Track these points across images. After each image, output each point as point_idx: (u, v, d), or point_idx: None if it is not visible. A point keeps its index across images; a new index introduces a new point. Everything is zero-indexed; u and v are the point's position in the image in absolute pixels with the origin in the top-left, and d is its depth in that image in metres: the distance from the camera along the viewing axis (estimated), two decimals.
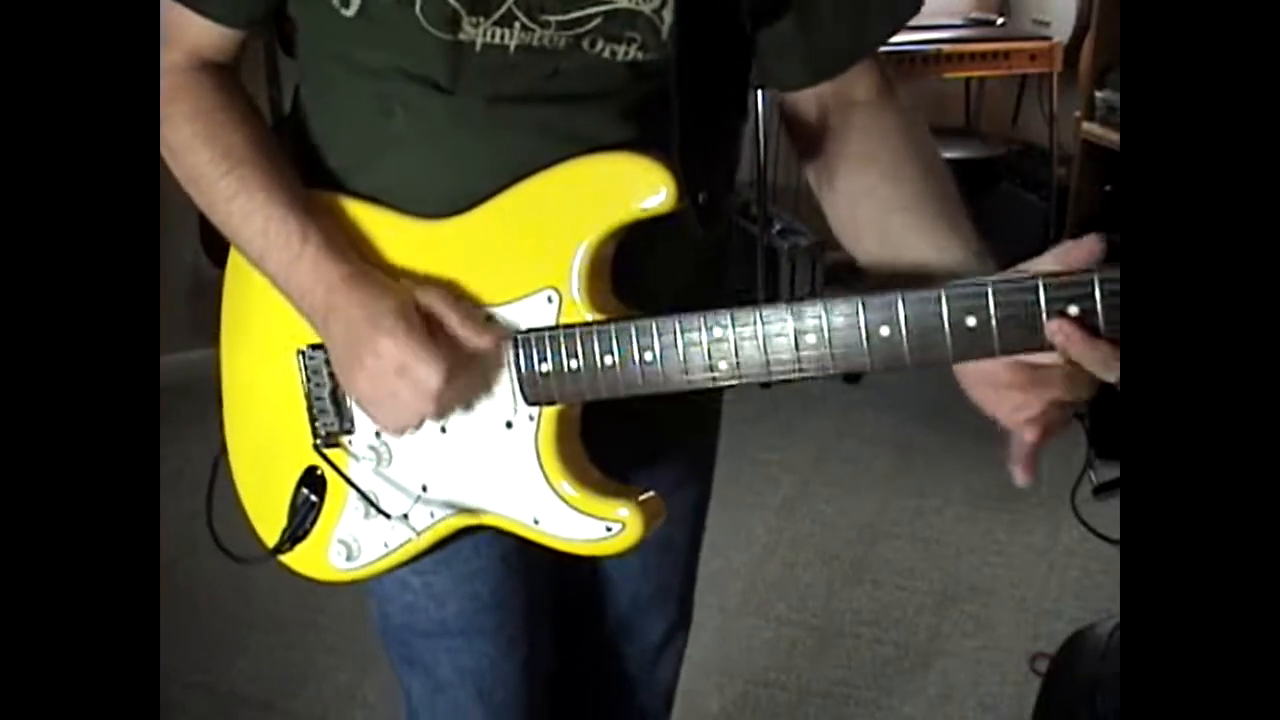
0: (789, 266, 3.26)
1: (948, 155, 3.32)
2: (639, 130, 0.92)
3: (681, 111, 0.91)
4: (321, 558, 1.05)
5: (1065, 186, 3.36)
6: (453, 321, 0.92)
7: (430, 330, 0.91)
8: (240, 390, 1.12)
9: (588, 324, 0.89)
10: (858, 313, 0.80)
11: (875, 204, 0.95)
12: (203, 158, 0.97)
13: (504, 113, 0.92)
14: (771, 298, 3.26)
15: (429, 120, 0.93)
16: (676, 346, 0.86)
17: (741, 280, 3.19)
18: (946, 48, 3.30)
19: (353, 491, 1.01)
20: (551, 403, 0.92)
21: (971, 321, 0.77)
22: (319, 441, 1.02)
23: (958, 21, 3.56)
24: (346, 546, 1.03)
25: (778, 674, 2.25)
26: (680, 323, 0.86)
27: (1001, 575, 2.54)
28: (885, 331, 0.79)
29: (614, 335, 0.88)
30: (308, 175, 1.02)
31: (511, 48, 0.89)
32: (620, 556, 0.95)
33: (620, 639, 1.33)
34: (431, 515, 0.99)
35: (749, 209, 3.22)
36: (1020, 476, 0.84)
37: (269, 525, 1.07)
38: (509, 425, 0.94)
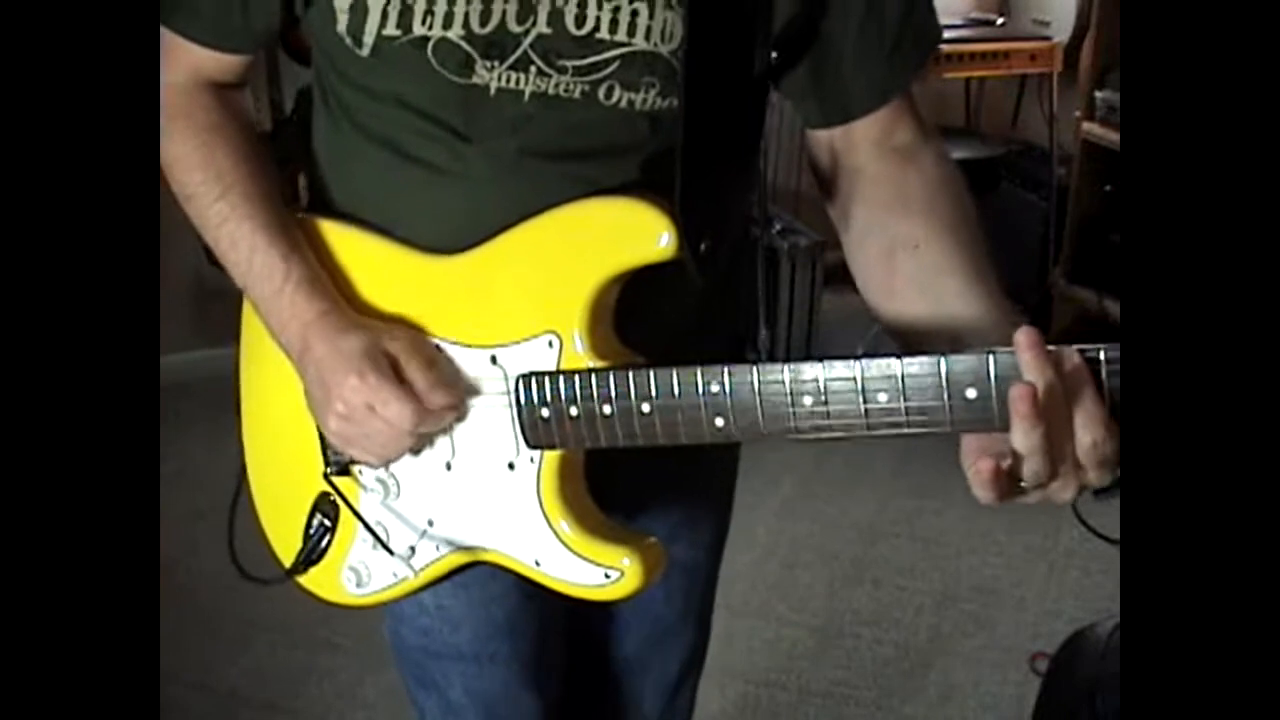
0: (789, 266, 3.26)
1: None
2: (658, 184, 0.90)
3: (685, 158, 0.89)
4: (335, 583, 1.05)
5: (1065, 186, 3.36)
6: (411, 369, 0.91)
7: (398, 372, 0.91)
8: (258, 411, 1.12)
9: (587, 371, 0.88)
10: (856, 377, 0.78)
11: (920, 262, 0.91)
12: (196, 178, 0.98)
13: (522, 166, 0.91)
14: (772, 298, 3.26)
15: (444, 157, 0.93)
16: (673, 399, 0.85)
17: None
18: (946, 48, 3.29)
19: (364, 521, 1.01)
20: (553, 447, 0.92)
21: (971, 394, 0.76)
22: (329, 470, 1.02)
23: (958, 21, 3.56)
24: (357, 573, 1.03)
25: (778, 674, 2.25)
26: (677, 376, 0.85)
27: (1001, 575, 2.54)
28: (883, 397, 0.78)
29: (612, 384, 0.87)
30: (317, 196, 1.02)
31: (526, 94, 0.89)
32: (621, 603, 0.95)
33: (638, 672, 1.31)
34: (436, 550, 0.99)
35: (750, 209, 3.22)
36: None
37: (285, 546, 1.07)
38: (511, 466, 0.94)
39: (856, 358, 0.78)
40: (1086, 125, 3.20)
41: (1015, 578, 2.53)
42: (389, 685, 2.13)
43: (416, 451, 0.97)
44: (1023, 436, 0.72)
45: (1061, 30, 3.44)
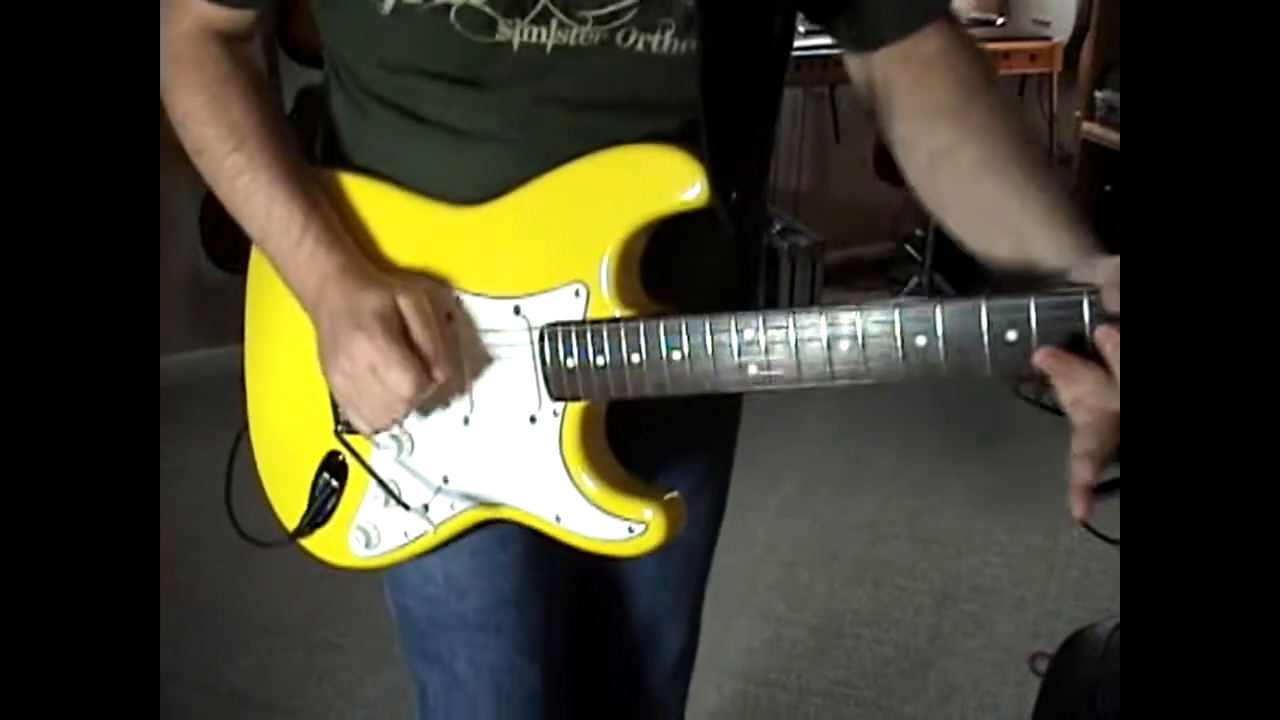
0: (789, 266, 3.26)
1: None
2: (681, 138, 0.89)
3: (708, 106, 0.88)
4: (341, 544, 1.04)
5: (1065, 186, 3.37)
6: (420, 334, 0.91)
7: (409, 336, 0.91)
8: (264, 372, 1.11)
9: (615, 320, 0.88)
10: (894, 320, 0.77)
11: (958, 162, 0.90)
12: (209, 131, 0.96)
13: (542, 117, 0.90)
14: (771, 298, 3.26)
15: (462, 118, 0.92)
16: (706, 347, 0.84)
17: None
18: None
19: (373, 479, 1.00)
20: (576, 399, 0.91)
21: (1012, 335, 0.74)
22: (340, 427, 1.00)
23: None
24: (366, 534, 1.02)
25: (778, 674, 2.25)
26: (710, 323, 0.84)
27: (1001, 575, 2.54)
28: (921, 341, 0.77)
29: (642, 332, 0.86)
30: (332, 158, 1.01)
31: (549, 47, 0.88)
32: (640, 558, 0.94)
33: (640, 655, 1.31)
34: (452, 507, 0.98)
35: None
36: (1076, 508, 0.81)
37: (289, 509, 1.06)
38: (533, 420, 0.93)
39: (895, 304, 0.78)
40: (1086, 125, 3.20)
41: (1015, 578, 2.53)
42: (389, 685, 2.13)
43: (427, 411, 0.96)
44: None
45: (1061, 30, 3.44)
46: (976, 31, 3.48)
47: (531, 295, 0.91)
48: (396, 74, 0.92)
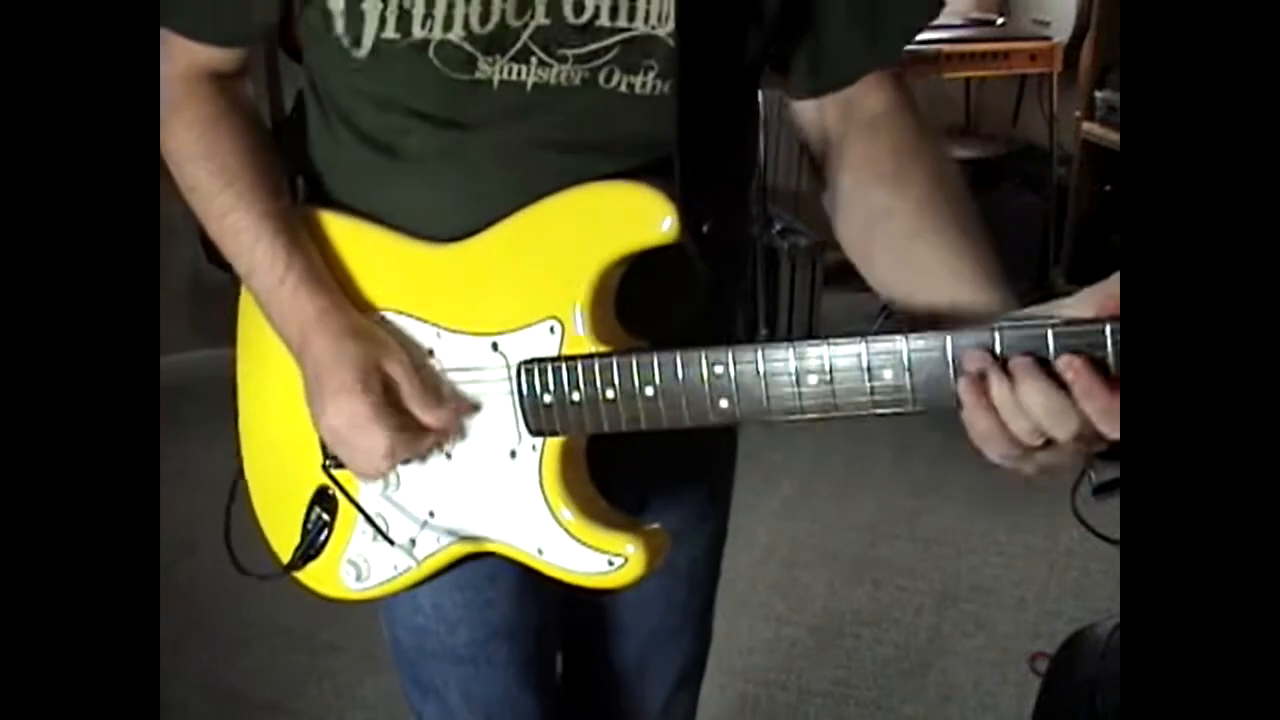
0: (789, 266, 3.26)
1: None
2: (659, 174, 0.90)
3: (683, 140, 0.88)
4: (333, 577, 1.05)
5: (1065, 186, 3.37)
6: (407, 393, 0.93)
7: (395, 395, 0.93)
8: (256, 405, 1.12)
9: (590, 356, 0.88)
10: (860, 354, 0.78)
11: (893, 226, 0.91)
12: (200, 169, 0.98)
13: (524, 157, 0.91)
14: (771, 298, 3.26)
15: (443, 159, 0.93)
16: (678, 382, 0.85)
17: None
18: (946, 48, 3.30)
19: (364, 513, 1.01)
20: (555, 434, 0.91)
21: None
22: (329, 463, 1.01)
23: (958, 21, 3.56)
24: (356, 567, 1.03)
25: (778, 674, 2.25)
26: (681, 357, 0.84)
27: (1001, 575, 2.54)
28: (888, 375, 0.77)
29: (616, 368, 0.87)
30: (313, 191, 1.02)
31: (529, 85, 0.88)
32: (624, 590, 0.94)
33: (635, 677, 1.30)
34: (437, 541, 0.99)
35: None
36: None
37: (283, 541, 1.07)
38: (513, 455, 0.94)
39: (862, 335, 0.79)
40: (1086, 125, 3.20)
41: (1015, 578, 2.53)
42: (389, 686, 2.12)
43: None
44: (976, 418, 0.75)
45: (1061, 30, 3.44)
46: (976, 31, 3.48)
47: (508, 332, 0.92)
48: (379, 111, 0.93)
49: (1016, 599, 2.46)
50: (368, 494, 1.01)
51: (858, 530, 2.70)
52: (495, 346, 0.92)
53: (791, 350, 0.80)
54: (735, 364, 0.82)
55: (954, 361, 0.75)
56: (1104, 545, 2.65)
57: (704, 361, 0.83)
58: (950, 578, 2.53)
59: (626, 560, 0.91)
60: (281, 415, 1.05)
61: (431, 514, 0.99)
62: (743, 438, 1.29)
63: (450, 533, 0.98)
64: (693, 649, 1.31)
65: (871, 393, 0.78)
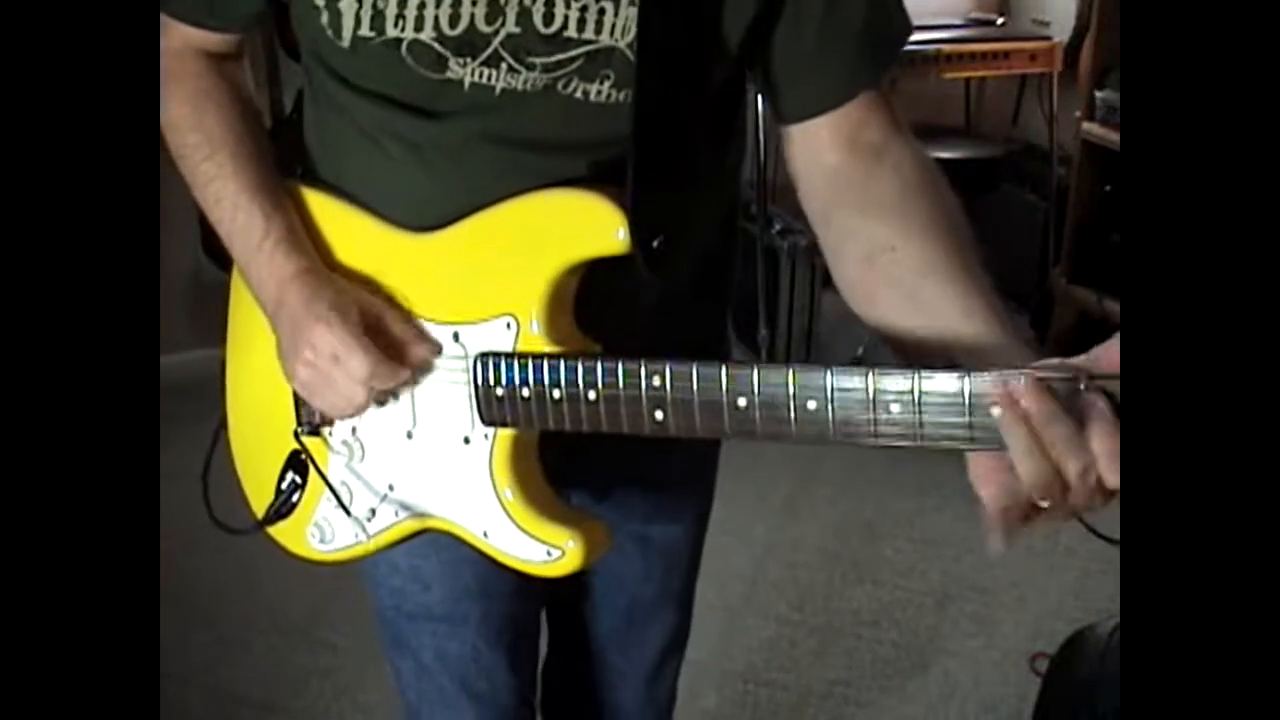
0: (789, 266, 3.26)
1: (947, 155, 3.34)
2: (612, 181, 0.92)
3: (638, 152, 0.90)
4: (301, 537, 1.08)
5: (1065, 186, 3.36)
6: (389, 320, 0.96)
7: (369, 328, 0.95)
8: (238, 372, 1.15)
9: (539, 356, 0.91)
10: (787, 383, 0.81)
11: (899, 261, 0.89)
12: (189, 140, 1.03)
13: (482, 152, 0.94)
14: (771, 298, 3.26)
15: (413, 145, 0.96)
16: (618, 389, 0.87)
17: (742, 280, 3.19)
18: (946, 48, 3.30)
19: (327, 481, 1.05)
20: (506, 425, 0.95)
21: (896, 409, 0.79)
22: (301, 430, 1.05)
23: (958, 21, 3.56)
24: (321, 530, 1.07)
25: (778, 674, 2.25)
26: (623, 366, 0.87)
27: (1001, 575, 2.54)
28: (812, 406, 0.80)
29: (562, 369, 0.90)
30: (307, 172, 1.06)
31: (498, 90, 0.92)
32: (564, 578, 0.97)
33: (617, 651, 1.33)
34: (394, 515, 1.03)
35: (749, 209, 3.22)
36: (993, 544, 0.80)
37: (259, 499, 1.11)
38: (466, 441, 0.97)
39: (789, 366, 0.81)
40: (1086, 125, 3.19)
41: (1015, 578, 2.53)
42: (388, 686, 2.12)
43: (381, 416, 1.00)
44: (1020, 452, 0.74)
45: (1061, 30, 3.44)
46: (976, 31, 3.48)
47: (469, 324, 0.95)
48: (359, 96, 0.96)
49: (1016, 599, 2.46)
50: (335, 464, 1.05)
51: (858, 530, 2.70)
52: (457, 336, 0.96)
53: (724, 371, 0.83)
54: (671, 378, 0.85)
55: (874, 397, 0.79)
56: (1104, 545, 2.65)
57: (643, 372, 0.86)
58: (950, 578, 2.53)
59: (564, 553, 0.95)
60: (262, 382, 1.08)
61: (391, 488, 1.02)
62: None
63: (405, 508, 1.02)
64: (674, 619, 1.34)
65: (795, 421, 0.81)
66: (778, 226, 3.31)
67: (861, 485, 2.87)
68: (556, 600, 1.29)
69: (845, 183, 0.95)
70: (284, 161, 1.06)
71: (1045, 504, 0.74)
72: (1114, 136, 3.10)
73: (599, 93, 0.92)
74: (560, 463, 1.00)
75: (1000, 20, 3.64)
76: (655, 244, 0.90)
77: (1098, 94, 3.17)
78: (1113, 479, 0.72)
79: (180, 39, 1.04)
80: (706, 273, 1.09)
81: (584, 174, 0.93)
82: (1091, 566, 2.53)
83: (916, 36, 3.53)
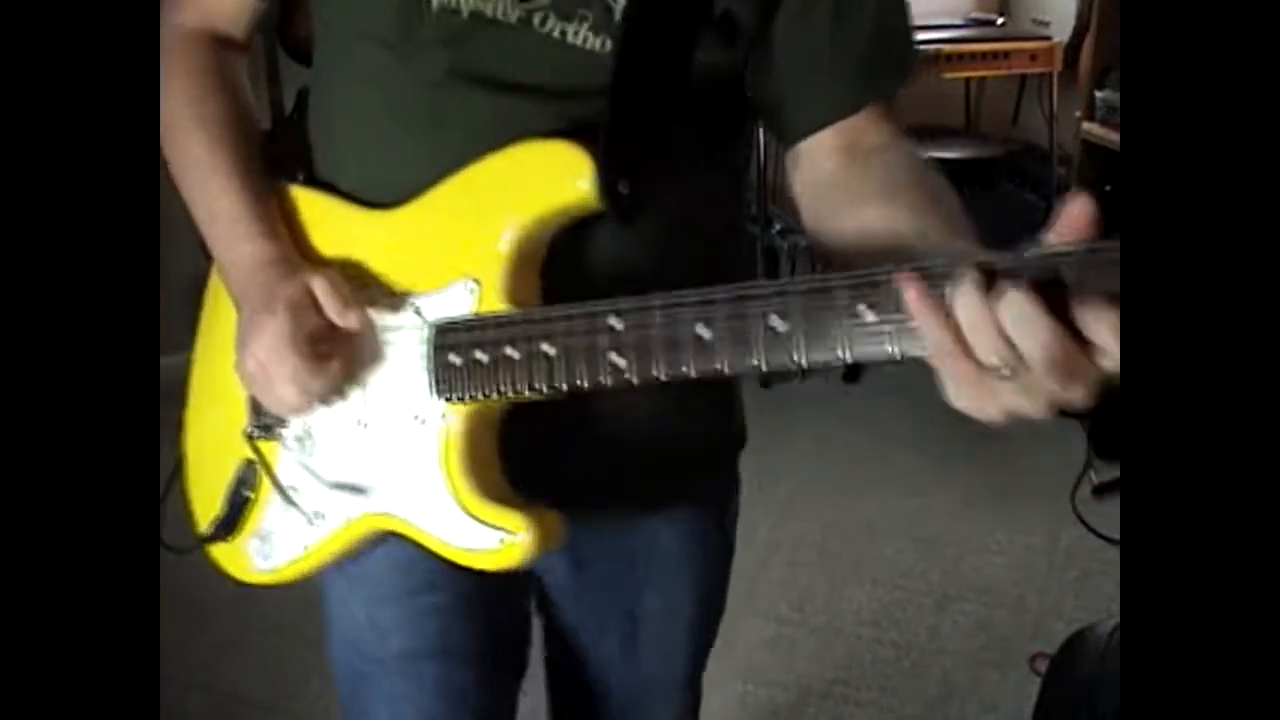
0: (789, 266, 3.26)
1: (947, 155, 3.34)
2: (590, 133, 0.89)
3: (616, 101, 0.88)
4: (243, 555, 1.05)
5: (1065, 186, 3.36)
6: (327, 302, 0.92)
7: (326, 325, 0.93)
8: (205, 366, 1.12)
9: (491, 314, 0.88)
10: (745, 302, 0.76)
11: (886, 228, 0.87)
12: (179, 115, 1.01)
13: (453, 89, 0.91)
14: None
15: (393, 104, 0.94)
16: (574, 337, 0.83)
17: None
18: (946, 48, 3.30)
19: (277, 482, 1.01)
20: (462, 399, 0.91)
21: (869, 315, 0.71)
22: (255, 429, 1.02)
23: (958, 21, 3.56)
24: (264, 542, 1.02)
25: (778, 674, 2.25)
26: (575, 312, 0.83)
27: (1001, 575, 2.54)
28: (778, 323, 0.75)
29: (518, 325, 0.86)
30: (306, 174, 1.04)
31: (465, 12, 0.89)
32: (512, 569, 0.91)
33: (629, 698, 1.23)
34: (344, 514, 0.98)
35: (749, 209, 3.23)
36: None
37: (206, 514, 1.07)
38: (420, 420, 0.93)
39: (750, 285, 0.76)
40: (1086, 125, 3.20)
41: (1015, 578, 2.53)
42: None
43: (335, 408, 0.97)
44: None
45: (1061, 30, 3.44)
46: (976, 31, 3.48)
47: (429, 293, 0.92)
48: (338, 39, 0.96)
49: (1016, 599, 2.46)
50: (286, 462, 1.01)
51: (858, 530, 2.70)
52: (417, 310, 0.93)
53: (688, 298, 0.78)
54: (629, 314, 0.81)
55: (844, 304, 0.72)
56: (1104, 545, 2.66)
57: (598, 312, 0.82)
58: (950, 578, 2.53)
59: (515, 537, 0.89)
60: (219, 386, 1.05)
61: (339, 484, 0.98)
62: None
63: (353, 504, 0.97)
64: (679, 705, 1.25)
65: (764, 347, 0.75)
66: (778, 226, 3.31)
67: (861, 485, 2.86)
68: (560, 677, 1.22)
69: (839, 184, 0.94)
70: (283, 162, 1.05)
71: (1005, 373, 0.67)
72: (1114, 136, 3.11)
73: (577, 34, 0.89)
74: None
75: (1000, 20, 3.64)
76: (621, 188, 0.87)
77: (1098, 94, 3.17)
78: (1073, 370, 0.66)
79: (199, 14, 1.03)
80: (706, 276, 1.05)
81: (564, 128, 0.89)
82: (1091, 566, 2.53)
83: (917, 36, 3.55)
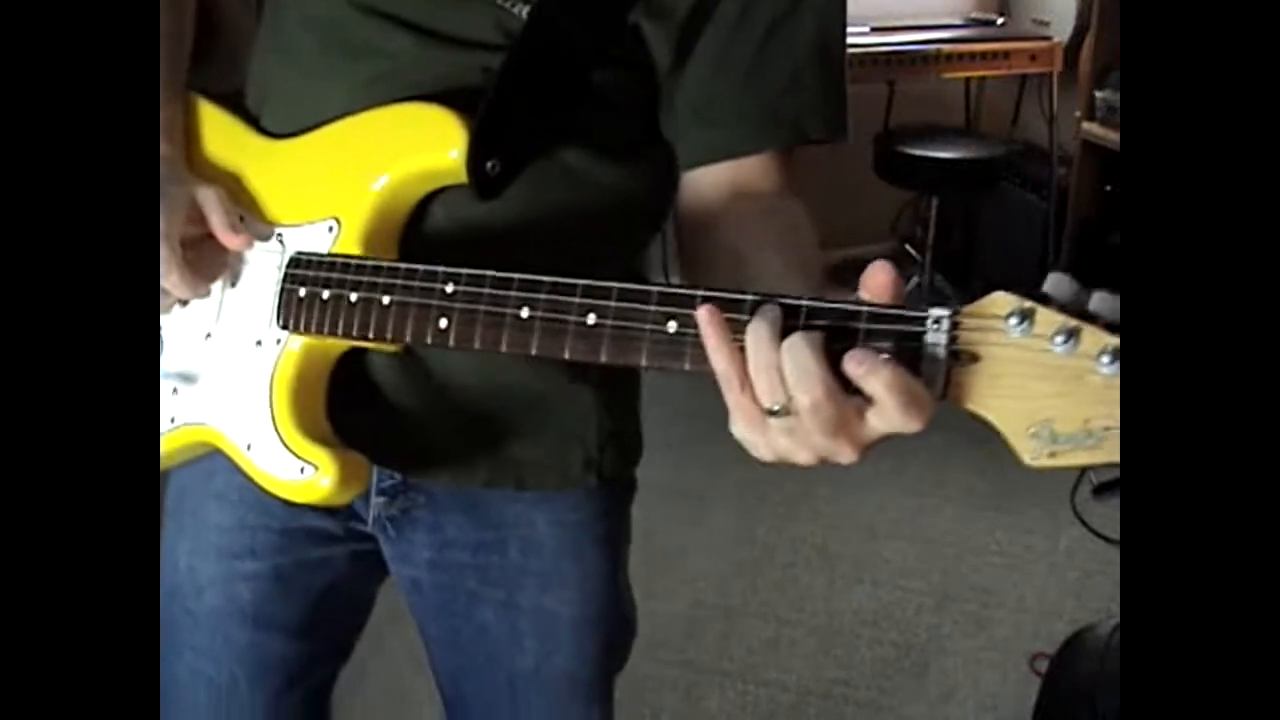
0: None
1: (947, 155, 3.34)
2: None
3: (505, 74, 0.89)
4: None
5: (1065, 186, 3.37)
6: (218, 217, 0.94)
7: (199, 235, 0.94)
8: None
9: (342, 256, 0.91)
10: (567, 293, 0.78)
11: (742, 273, 0.85)
12: None
13: (368, 27, 0.93)
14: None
15: (304, 18, 0.97)
16: (410, 294, 0.86)
17: None
18: (946, 48, 3.30)
19: None
20: (300, 331, 0.92)
21: (672, 327, 0.74)
22: None
23: (958, 21, 3.56)
24: None
25: (778, 674, 2.25)
26: (417, 269, 0.86)
27: (1001, 575, 2.54)
28: (591, 319, 0.77)
29: (360, 270, 0.89)
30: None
31: None
32: (315, 507, 0.93)
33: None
34: (170, 420, 0.99)
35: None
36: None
37: None
38: (258, 343, 0.95)
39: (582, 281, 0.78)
40: (1086, 125, 3.20)
41: (1015, 578, 2.53)
42: (388, 685, 2.13)
43: (185, 316, 0.99)
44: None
45: (1061, 30, 3.45)
46: (976, 31, 3.48)
47: (294, 226, 0.95)
48: None
49: (1016, 599, 2.46)
50: None
51: (858, 530, 2.70)
52: (279, 238, 0.96)
53: (517, 279, 0.80)
54: (463, 285, 0.83)
55: (653, 313, 0.74)
56: (1104, 545, 2.66)
57: (438, 276, 0.84)
58: (950, 578, 2.53)
59: (317, 470, 0.90)
60: None
61: (174, 391, 0.99)
62: None
63: (184, 412, 0.98)
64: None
65: (570, 337, 0.78)
66: None
67: (861, 485, 2.87)
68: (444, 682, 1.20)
69: (714, 215, 0.93)
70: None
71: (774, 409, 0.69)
72: (1114, 136, 3.11)
73: None
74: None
75: (1000, 20, 3.64)
76: (490, 166, 0.89)
77: (1098, 94, 3.18)
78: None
79: None
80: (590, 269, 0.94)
81: (476, 81, 0.90)
82: (1091, 566, 2.54)
83: (916, 36, 3.55)
